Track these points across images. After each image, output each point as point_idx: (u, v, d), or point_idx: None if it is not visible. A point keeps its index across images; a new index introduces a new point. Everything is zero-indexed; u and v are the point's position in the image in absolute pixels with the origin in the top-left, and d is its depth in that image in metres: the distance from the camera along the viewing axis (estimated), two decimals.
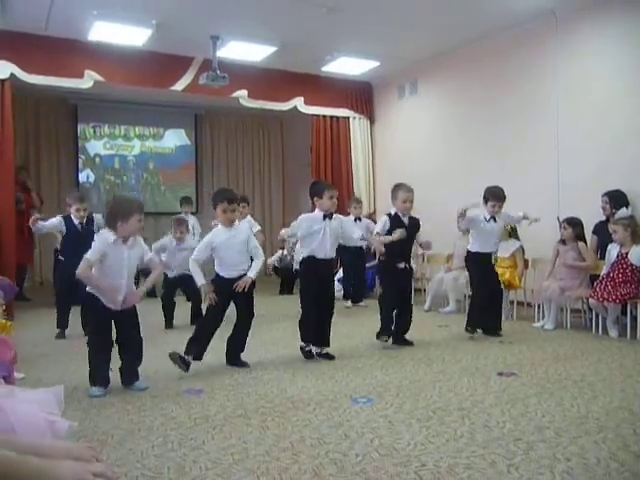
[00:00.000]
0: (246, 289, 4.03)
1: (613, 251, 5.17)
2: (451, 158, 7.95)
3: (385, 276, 5.00)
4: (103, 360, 3.53)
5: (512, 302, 6.17)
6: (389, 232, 4.68)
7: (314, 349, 4.40)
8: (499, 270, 5.74)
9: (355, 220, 7.10)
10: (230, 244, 4.07)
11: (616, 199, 5.57)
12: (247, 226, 4.37)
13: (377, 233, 4.76)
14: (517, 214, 5.46)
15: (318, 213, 4.38)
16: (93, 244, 3.51)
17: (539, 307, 5.77)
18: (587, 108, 6.24)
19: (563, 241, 5.61)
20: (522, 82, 6.95)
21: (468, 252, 5.25)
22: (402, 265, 4.74)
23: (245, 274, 4.07)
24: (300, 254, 4.57)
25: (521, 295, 6.24)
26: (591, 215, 5.73)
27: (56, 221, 5.40)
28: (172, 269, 5.95)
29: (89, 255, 3.45)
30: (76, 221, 5.38)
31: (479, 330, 5.12)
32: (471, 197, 7.19)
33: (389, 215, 4.82)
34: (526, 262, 6.25)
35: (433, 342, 4.96)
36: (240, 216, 6.36)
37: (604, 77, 6.10)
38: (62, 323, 5.38)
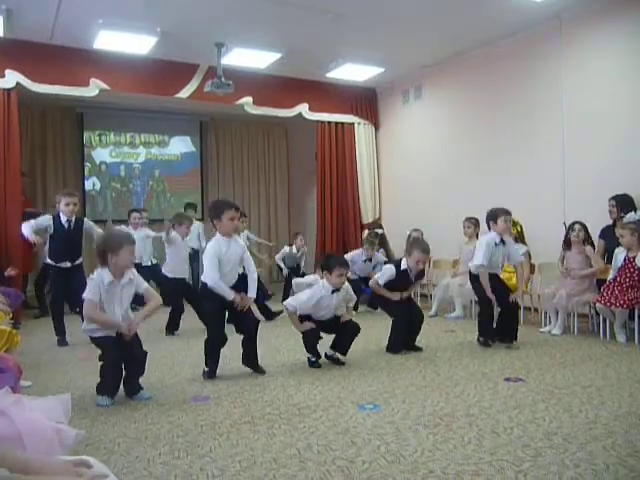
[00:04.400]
0: (244, 309, 4.04)
1: (620, 255, 5.14)
2: (456, 163, 7.94)
3: (390, 310, 4.97)
4: (119, 373, 3.53)
5: (519, 307, 6.13)
6: (392, 281, 4.82)
7: (328, 351, 4.44)
8: (505, 275, 5.69)
9: (365, 261, 7.22)
10: (230, 256, 4.05)
11: (623, 203, 5.55)
12: (242, 240, 4.30)
13: (377, 282, 4.86)
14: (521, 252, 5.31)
15: (327, 288, 4.31)
16: (88, 282, 3.49)
17: (546, 312, 5.74)
18: (592, 112, 6.22)
19: (568, 246, 5.59)
20: (527, 86, 6.94)
21: (473, 275, 5.10)
22: (397, 297, 4.84)
23: (235, 287, 4.07)
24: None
25: (528, 300, 6.21)
26: (597, 219, 5.71)
27: (44, 218, 5.45)
28: (180, 270, 6.02)
29: (90, 295, 3.44)
30: (64, 219, 5.40)
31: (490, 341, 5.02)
32: (476, 202, 7.21)
33: (397, 269, 4.83)
34: (532, 267, 6.24)
35: (440, 348, 4.94)
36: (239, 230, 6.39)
37: (609, 80, 6.09)
38: (60, 329, 5.38)
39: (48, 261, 5.53)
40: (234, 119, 10.86)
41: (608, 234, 5.57)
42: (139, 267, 7.88)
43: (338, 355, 4.43)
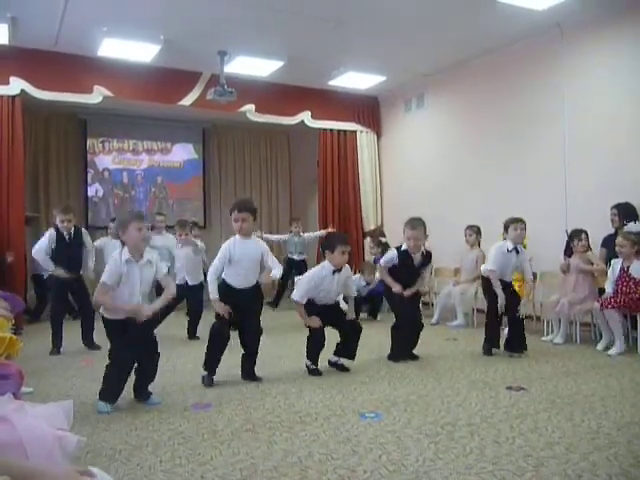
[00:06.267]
0: (275, 282, 4.02)
1: (616, 266, 5.15)
2: (458, 171, 7.95)
3: (394, 304, 4.96)
4: (123, 379, 3.52)
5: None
6: (396, 266, 4.76)
7: (332, 358, 4.46)
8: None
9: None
10: (245, 255, 4.03)
11: (625, 211, 5.56)
12: (262, 243, 4.20)
13: (380, 265, 4.86)
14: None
15: (328, 268, 4.32)
16: (107, 267, 3.47)
17: (548, 321, 5.73)
18: (594, 120, 6.23)
19: (570, 254, 5.60)
20: (529, 95, 6.96)
21: (484, 279, 5.06)
22: (408, 293, 4.75)
23: (255, 285, 4.08)
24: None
25: (529, 309, 6.20)
26: (598, 227, 5.72)
27: (47, 240, 5.35)
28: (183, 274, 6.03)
29: (106, 279, 3.42)
30: (64, 232, 5.41)
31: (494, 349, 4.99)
32: (478, 209, 7.22)
33: (398, 250, 4.78)
34: (534, 275, 6.22)
35: (441, 356, 4.93)
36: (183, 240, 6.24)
37: (610, 88, 6.10)
38: (58, 342, 5.34)
39: (51, 273, 5.46)
40: (236, 126, 10.89)
41: (610, 243, 5.57)
42: None
43: (343, 361, 4.44)
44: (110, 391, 3.49)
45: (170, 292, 3.65)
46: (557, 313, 5.45)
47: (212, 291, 3.97)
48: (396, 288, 4.71)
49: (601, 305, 5.01)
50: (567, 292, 5.49)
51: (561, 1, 5.78)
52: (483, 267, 5.15)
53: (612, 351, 4.89)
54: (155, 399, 3.60)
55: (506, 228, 5.00)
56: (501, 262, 4.93)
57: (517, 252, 4.96)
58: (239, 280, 4.03)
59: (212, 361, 4.02)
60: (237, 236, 4.02)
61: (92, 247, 5.83)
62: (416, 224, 4.68)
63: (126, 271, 3.45)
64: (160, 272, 3.65)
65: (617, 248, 5.13)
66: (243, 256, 3.99)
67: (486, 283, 5.03)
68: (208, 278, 4.02)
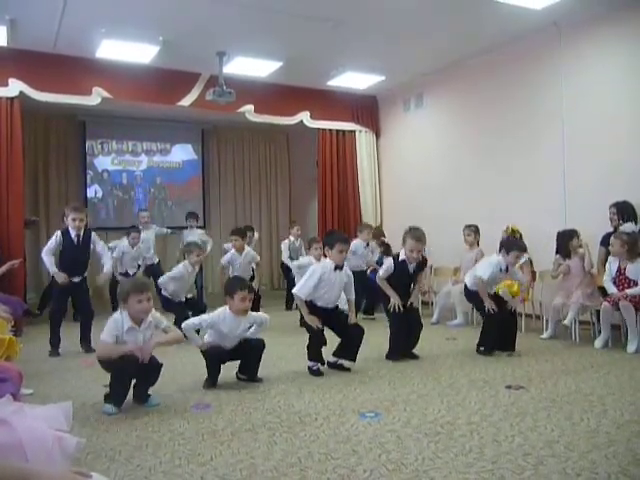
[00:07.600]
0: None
1: (613, 264, 5.19)
2: (457, 171, 7.95)
3: (390, 312, 4.96)
4: (126, 385, 3.51)
5: (520, 315, 6.13)
6: (393, 274, 4.82)
7: (331, 359, 4.47)
8: (507, 282, 5.68)
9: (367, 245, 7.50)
10: (234, 332, 4.06)
11: (624, 210, 5.57)
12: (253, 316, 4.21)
13: (380, 276, 4.90)
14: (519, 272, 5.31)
15: (329, 264, 4.42)
16: (108, 323, 3.52)
17: (547, 320, 5.73)
18: (592, 119, 6.23)
19: (567, 254, 5.63)
20: (527, 94, 6.96)
21: (469, 290, 5.13)
22: (396, 299, 4.78)
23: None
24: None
25: (529, 308, 6.20)
26: (598, 226, 5.73)
27: (54, 241, 5.30)
28: (181, 295, 5.93)
29: (105, 337, 3.48)
30: (73, 233, 5.35)
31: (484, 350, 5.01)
32: (476, 209, 7.23)
33: (395, 260, 4.87)
34: (534, 274, 6.23)
35: (441, 355, 4.94)
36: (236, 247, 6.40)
37: (608, 87, 6.10)
38: (55, 341, 5.34)
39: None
40: (236, 127, 10.90)
41: (609, 241, 5.58)
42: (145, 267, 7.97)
43: (343, 362, 4.44)
44: (115, 395, 3.48)
45: (175, 335, 3.75)
46: (577, 303, 5.39)
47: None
48: (395, 300, 4.76)
49: (612, 303, 5.00)
50: (570, 292, 5.49)
51: (558, 0, 5.78)
52: (469, 276, 5.17)
53: (629, 349, 4.87)
54: (154, 400, 3.60)
55: (508, 250, 4.96)
56: (493, 276, 4.98)
57: (507, 271, 5.03)
58: None
59: (212, 376, 4.02)
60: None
61: (106, 249, 5.59)
62: (421, 237, 4.75)
63: (126, 336, 3.51)
64: (161, 323, 3.69)
65: (610, 247, 5.18)
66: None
67: (470, 295, 5.13)
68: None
